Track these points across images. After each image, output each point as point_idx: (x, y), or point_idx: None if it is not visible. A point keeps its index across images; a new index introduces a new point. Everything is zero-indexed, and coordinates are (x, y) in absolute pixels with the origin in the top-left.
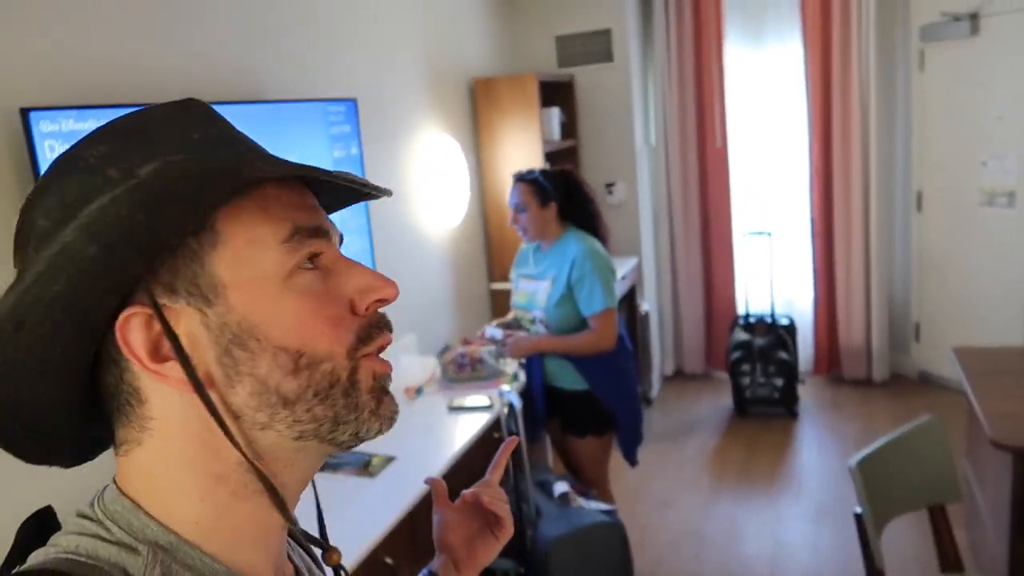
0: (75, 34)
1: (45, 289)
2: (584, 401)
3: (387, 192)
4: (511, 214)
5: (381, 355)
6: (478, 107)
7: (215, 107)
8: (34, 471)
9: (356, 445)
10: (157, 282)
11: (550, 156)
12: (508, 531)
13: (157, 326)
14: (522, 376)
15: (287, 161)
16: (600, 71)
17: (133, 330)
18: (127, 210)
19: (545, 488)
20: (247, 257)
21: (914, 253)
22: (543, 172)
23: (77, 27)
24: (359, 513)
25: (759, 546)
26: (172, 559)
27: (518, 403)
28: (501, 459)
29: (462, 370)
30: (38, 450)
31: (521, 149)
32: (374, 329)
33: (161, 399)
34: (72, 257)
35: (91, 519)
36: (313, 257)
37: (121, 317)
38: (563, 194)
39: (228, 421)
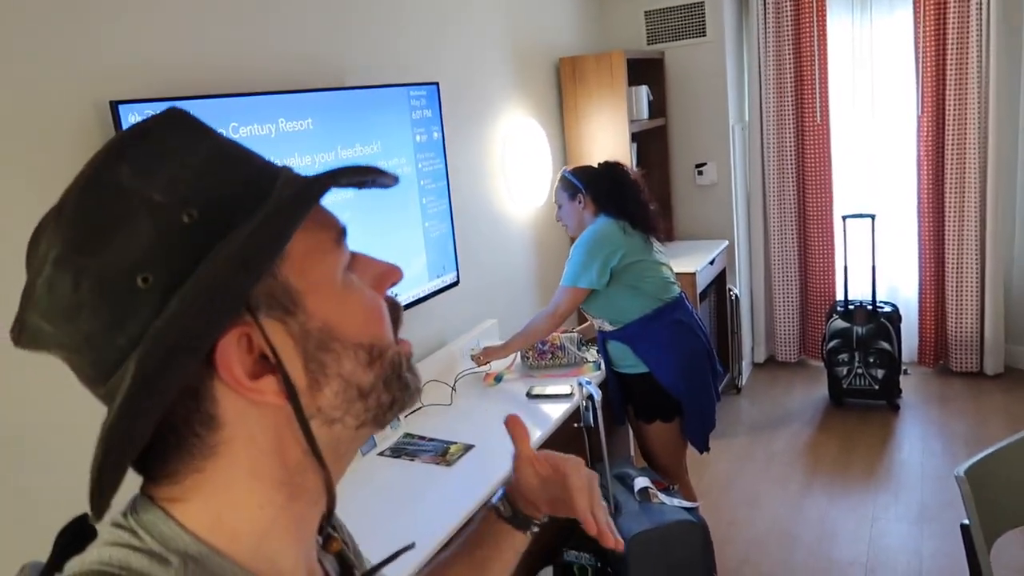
0: (162, 27)
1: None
2: (647, 384)
3: (393, 179)
4: (556, 211)
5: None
6: (563, 87)
7: (297, 94)
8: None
9: (396, 419)
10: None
11: (637, 136)
12: (589, 528)
13: (254, 346)
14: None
15: (325, 172)
16: (692, 47)
17: (231, 356)
18: (291, 217)
19: (625, 482)
20: (313, 263)
21: None
22: (583, 167)
23: (164, 20)
24: (435, 502)
25: (853, 550)
26: (202, 570)
27: (597, 394)
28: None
29: (542, 357)
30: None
31: (607, 129)
32: (398, 313)
33: (239, 419)
34: (226, 290)
35: (124, 528)
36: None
37: (219, 347)
38: (599, 184)
39: (313, 422)
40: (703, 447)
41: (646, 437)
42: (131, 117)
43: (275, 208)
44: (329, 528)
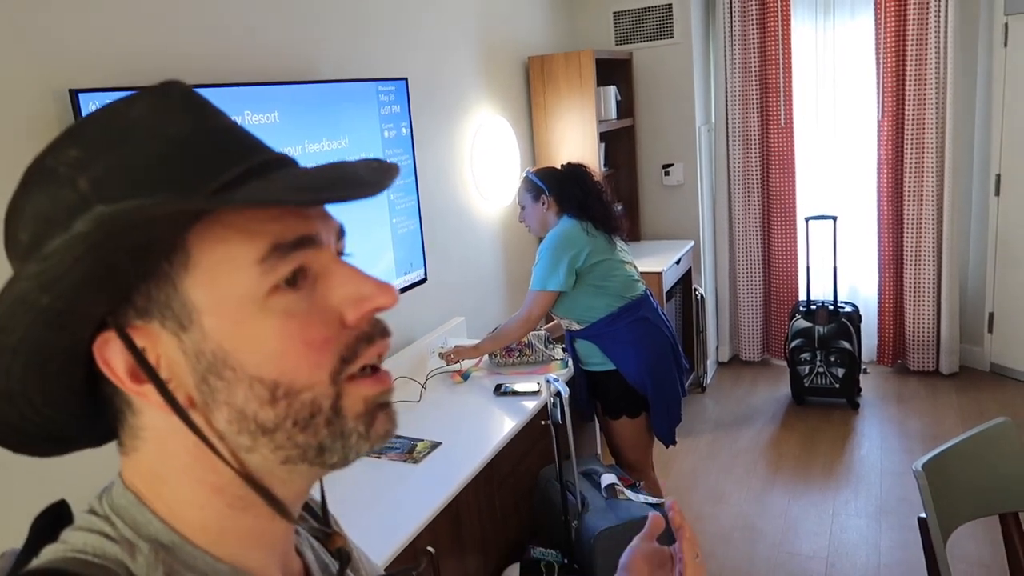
0: (124, 15)
1: (8, 338)
2: (614, 381)
3: (383, 182)
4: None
5: (378, 362)
6: (532, 85)
7: (264, 87)
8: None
9: (349, 464)
10: (132, 306)
11: (606, 136)
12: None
13: (140, 345)
14: (572, 361)
15: (270, 175)
16: (659, 48)
17: (114, 352)
18: (78, 257)
19: (592, 479)
20: (221, 279)
21: (990, 239)
22: (546, 168)
23: (126, 7)
24: (402, 500)
25: (814, 543)
26: (174, 559)
27: (565, 391)
28: (678, 521)
29: (510, 355)
30: (57, 451)
31: (575, 129)
32: (361, 343)
33: (152, 413)
34: (28, 306)
35: (98, 515)
36: (297, 271)
37: (98, 341)
38: (562, 185)
39: (214, 440)
40: (669, 441)
41: (613, 433)
42: (91, 106)
43: (64, 244)
44: (331, 526)
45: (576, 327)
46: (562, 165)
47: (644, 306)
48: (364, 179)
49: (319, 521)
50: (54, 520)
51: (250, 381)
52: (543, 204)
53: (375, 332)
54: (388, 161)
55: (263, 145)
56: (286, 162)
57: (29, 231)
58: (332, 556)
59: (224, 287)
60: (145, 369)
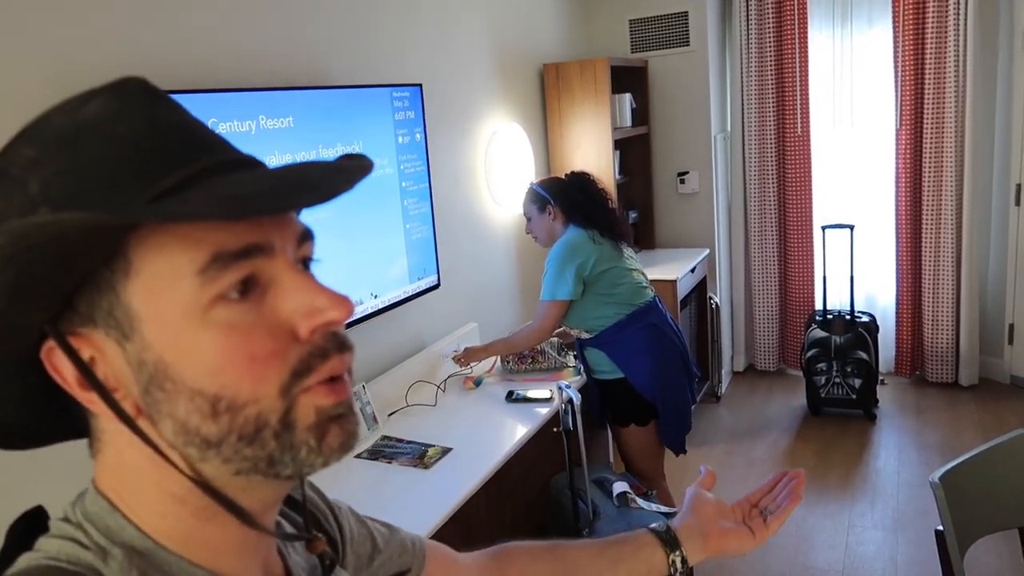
0: (141, 18)
1: None
2: (622, 389)
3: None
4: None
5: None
6: (547, 93)
7: (279, 92)
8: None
9: (306, 476)
10: (74, 311)
11: (620, 143)
12: (766, 533)
13: (87, 353)
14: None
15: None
16: (675, 56)
17: (61, 359)
18: (6, 269)
19: (603, 487)
20: (161, 288)
21: (1011, 249)
22: (550, 179)
23: (143, 11)
24: (412, 505)
25: (830, 556)
26: (149, 564)
27: (577, 398)
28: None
29: (523, 361)
30: (31, 445)
31: (590, 136)
32: (316, 358)
33: (107, 420)
34: None
35: (71, 522)
36: (245, 280)
37: (44, 348)
38: (567, 195)
39: (166, 450)
40: (679, 449)
41: (623, 441)
42: None
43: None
44: (310, 531)
45: (586, 336)
46: (566, 174)
47: (652, 313)
48: (314, 184)
49: (294, 537)
50: (31, 526)
51: (191, 394)
52: (549, 214)
53: (331, 347)
54: (363, 158)
55: (222, 144)
56: (244, 163)
57: None
58: (318, 560)
59: (164, 297)
60: (87, 377)
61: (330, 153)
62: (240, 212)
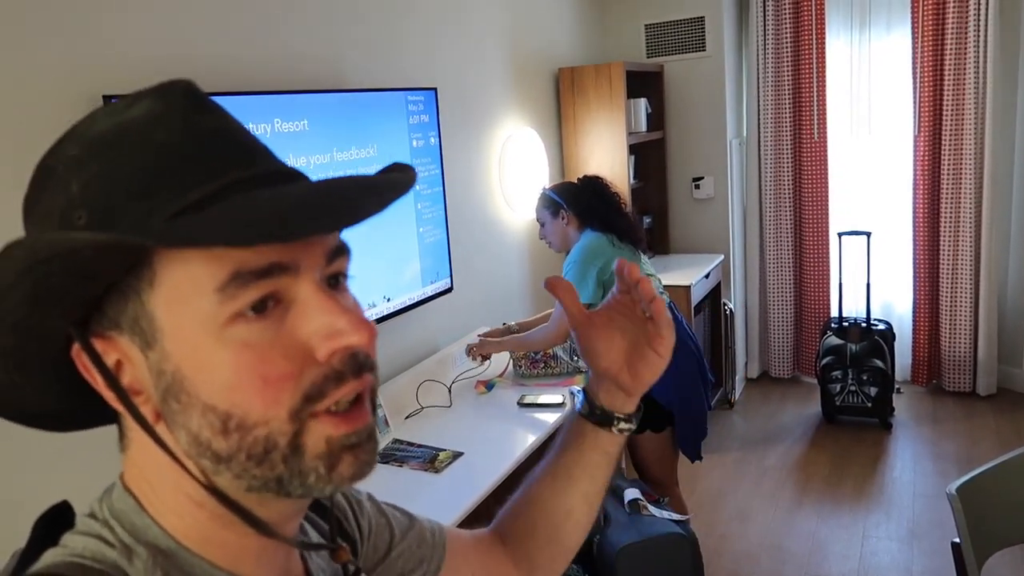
0: (158, 20)
1: None
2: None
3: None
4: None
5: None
6: (562, 97)
7: (294, 95)
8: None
9: (316, 497)
10: (103, 316)
11: (635, 148)
12: (668, 340)
13: (114, 357)
14: None
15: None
16: (691, 61)
17: (84, 356)
18: (11, 283)
19: (615, 494)
20: (181, 301)
21: None
22: (562, 183)
23: (160, 13)
24: (422, 509)
25: (843, 566)
26: (172, 565)
27: None
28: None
29: (535, 366)
30: (80, 428)
31: (605, 141)
32: (330, 382)
33: (131, 420)
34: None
35: (97, 518)
36: (266, 299)
37: (74, 348)
38: (581, 199)
39: (182, 458)
40: (695, 456)
41: (638, 448)
42: None
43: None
44: (335, 540)
45: None
46: (579, 178)
47: (677, 319)
48: (336, 208)
49: (317, 546)
50: (56, 521)
51: (204, 409)
52: (563, 219)
53: (348, 371)
54: (406, 172)
55: (262, 153)
56: (279, 176)
57: (37, 228)
58: (342, 569)
59: (183, 310)
60: (108, 381)
61: (344, 156)
62: (249, 239)
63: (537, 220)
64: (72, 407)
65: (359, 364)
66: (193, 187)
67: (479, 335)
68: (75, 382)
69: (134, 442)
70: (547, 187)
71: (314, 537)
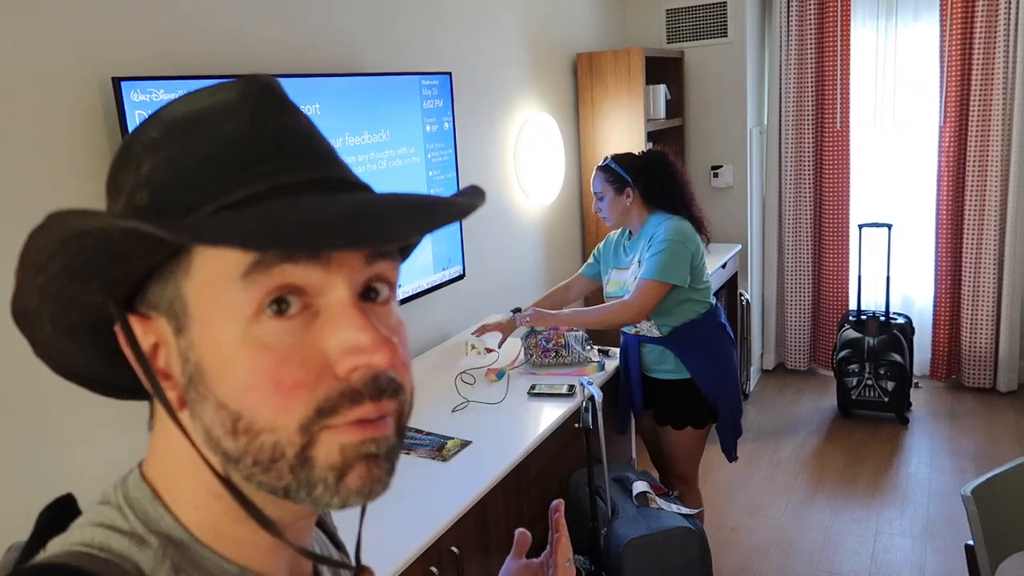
0: (169, 4)
1: (29, 301)
2: (685, 391)
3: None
4: (594, 201)
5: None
6: (580, 83)
7: (305, 78)
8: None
9: (324, 509)
10: (146, 295)
11: (653, 135)
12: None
13: (151, 338)
14: (608, 364)
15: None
16: (712, 47)
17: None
18: (53, 253)
19: (624, 485)
20: (211, 290)
21: None
22: (627, 156)
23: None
24: (429, 498)
25: (855, 563)
26: (183, 556)
27: (599, 395)
28: (558, 524)
29: (547, 355)
30: (127, 398)
31: (623, 127)
32: (345, 399)
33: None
34: (32, 278)
35: (110, 504)
36: (290, 296)
37: (116, 323)
38: (649, 178)
39: (201, 447)
40: (733, 455)
41: (671, 443)
42: (133, 95)
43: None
44: (361, 564)
45: (656, 333)
46: (641, 153)
47: (720, 313)
48: (385, 223)
49: (341, 549)
50: (60, 514)
51: (216, 405)
52: (627, 197)
53: (366, 392)
54: (476, 195)
55: (326, 159)
56: (335, 184)
57: (112, 201)
58: None
59: (213, 301)
60: (137, 358)
61: (356, 141)
62: (264, 244)
63: (595, 192)
64: (117, 377)
65: (380, 388)
66: (244, 184)
67: (483, 324)
68: (117, 354)
69: (159, 424)
70: (611, 157)
71: (320, 546)
